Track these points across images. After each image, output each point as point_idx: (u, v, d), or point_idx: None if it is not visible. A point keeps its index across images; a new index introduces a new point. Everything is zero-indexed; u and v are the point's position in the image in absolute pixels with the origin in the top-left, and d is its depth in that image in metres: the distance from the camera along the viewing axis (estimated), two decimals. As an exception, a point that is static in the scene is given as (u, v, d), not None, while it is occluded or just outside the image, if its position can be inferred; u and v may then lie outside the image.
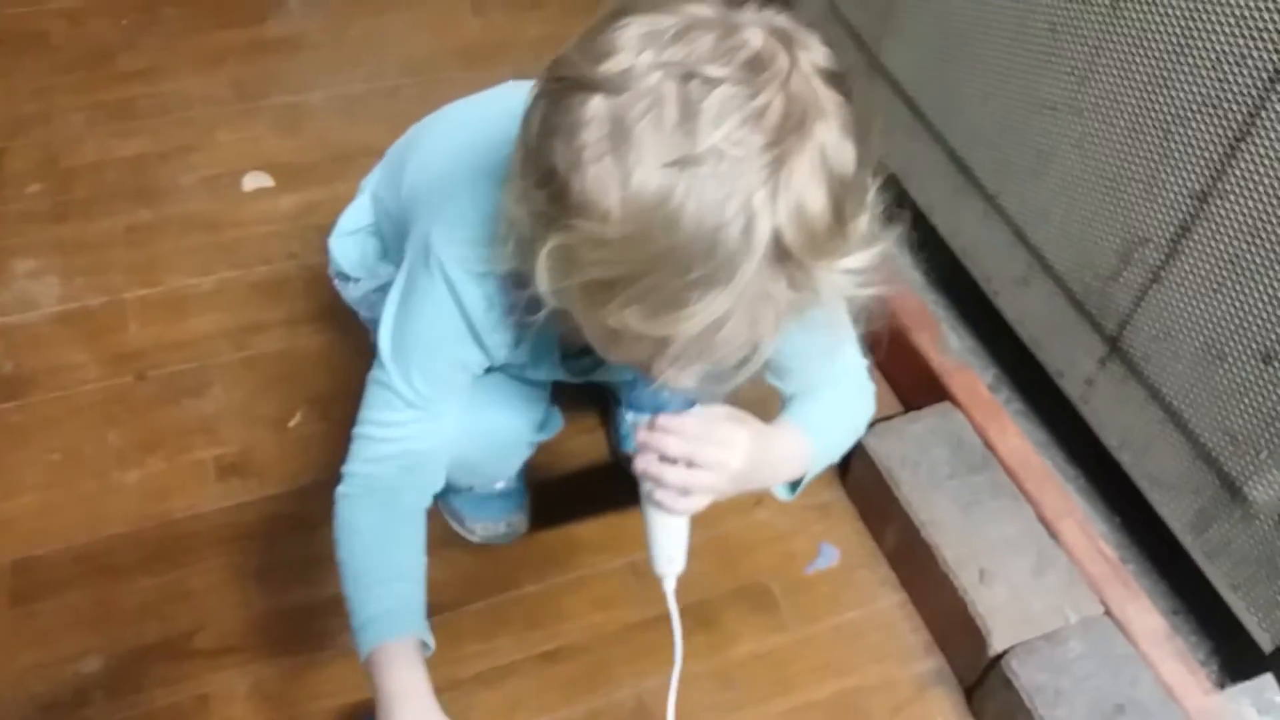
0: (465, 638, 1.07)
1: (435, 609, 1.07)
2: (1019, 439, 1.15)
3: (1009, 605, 1.03)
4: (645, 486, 0.74)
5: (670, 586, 0.78)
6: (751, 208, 0.55)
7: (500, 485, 1.12)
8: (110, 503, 1.15)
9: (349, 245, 1.01)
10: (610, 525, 1.16)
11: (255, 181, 1.49)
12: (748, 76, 0.55)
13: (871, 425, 1.16)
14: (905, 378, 1.28)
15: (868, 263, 0.60)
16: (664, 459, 0.72)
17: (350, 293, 1.04)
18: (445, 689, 1.02)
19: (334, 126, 1.57)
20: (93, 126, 1.55)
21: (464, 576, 1.12)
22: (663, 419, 0.71)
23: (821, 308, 0.80)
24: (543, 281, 0.61)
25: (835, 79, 0.59)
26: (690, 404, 0.72)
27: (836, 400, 0.88)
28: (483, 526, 1.14)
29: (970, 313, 1.28)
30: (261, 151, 1.53)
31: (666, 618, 1.09)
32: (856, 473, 1.19)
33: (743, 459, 0.74)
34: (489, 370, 0.86)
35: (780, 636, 1.10)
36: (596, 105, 0.56)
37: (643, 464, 0.72)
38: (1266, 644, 0.96)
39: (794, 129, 0.56)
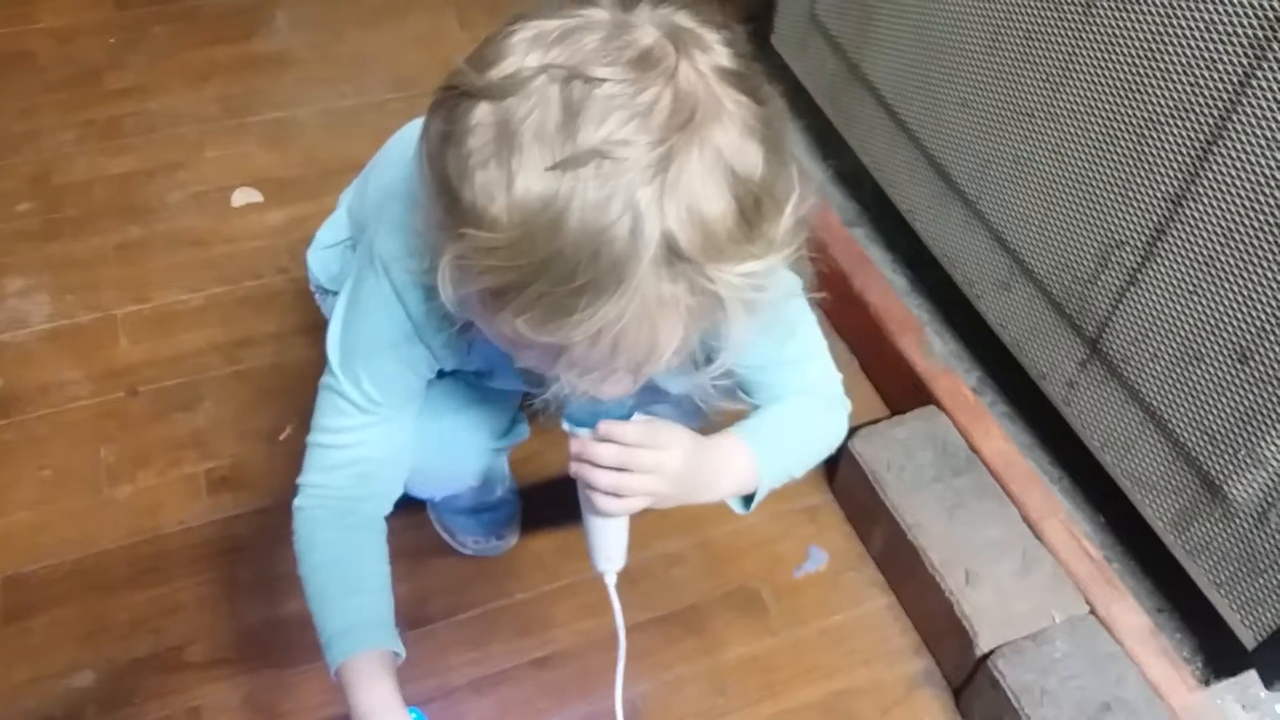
0: (457, 646, 1.08)
1: (426, 618, 1.10)
2: (1003, 441, 1.16)
3: (995, 606, 1.04)
4: (582, 489, 0.74)
5: (611, 581, 0.78)
6: (637, 208, 0.53)
7: (494, 496, 1.13)
8: (102, 518, 1.16)
9: (327, 259, 1.01)
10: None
11: (244, 197, 1.50)
12: (633, 75, 0.54)
13: (857, 429, 1.17)
14: (890, 382, 1.30)
15: (771, 267, 0.58)
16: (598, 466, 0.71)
17: (329, 306, 1.04)
18: (437, 697, 1.04)
19: (322, 141, 1.58)
20: (81, 145, 1.56)
21: (455, 585, 1.13)
22: (603, 427, 0.70)
23: (778, 315, 0.78)
24: (445, 292, 0.59)
25: (739, 80, 0.57)
26: (629, 413, 0.71)
27: (794, 413, 0.85)
28: (474, 540, 1.15)
29: (953, 317, 1.29)
30: (250, 167, 1.54)
31: (657, 623, 1.11)
32: (843, 476, 1.20)
33: (679, 464, 0.73)
34: (448, 375, 0.85)
35: (769, 640, 1.11)
36: (483, 112, 0.55)
37: (575, 469, 0.72)
38: (1249, 640, 0.97)
39: (681, 126, 0.54)
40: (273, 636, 1.07)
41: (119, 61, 1.69)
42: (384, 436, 0.82)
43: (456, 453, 0.95)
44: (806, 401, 0.86)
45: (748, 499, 0.84)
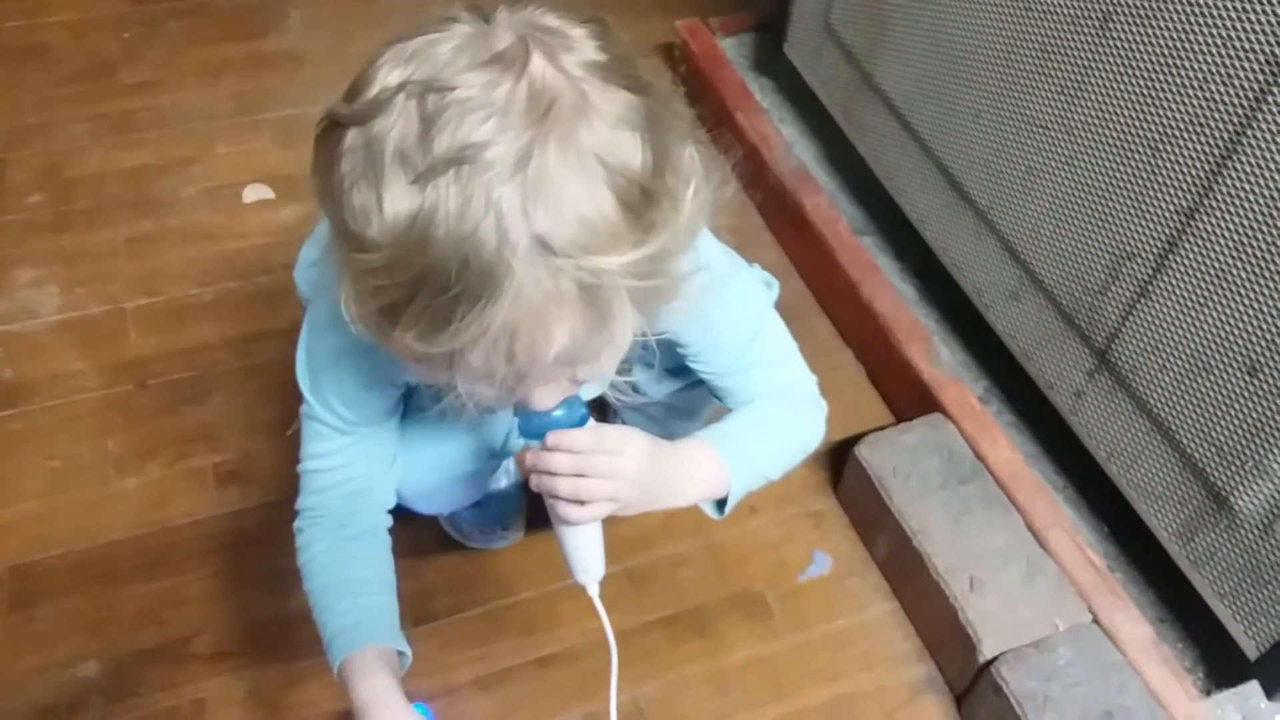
0: (462, 643, 1.08)
1: (431, 615, 1.10)
2: (1009, 450, 1.17)
3: (999, 613, 1.04)
4: (547, 501, 0.73)
5: (594, 592, 0.78)
6: (499, 209, 0.52)
7: (498, 487, 1.13)
8: (109, 509, 1.16)
9: (312, 277, 1.00)
10: (606, 532, 1.16)
11: (256, 193, 1.51)
12: (485, 77, 0.53)
13: (863, 436, 1.18)
14: (897, 389, 1.30)
15: (659, 253, 0.57)
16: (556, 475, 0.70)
17: None
18: (442, 693, 1.05)
19: (334, 140, 1.59)
20: (94, 138, 1.57)
21: (461, 582, 1.13)
22: (551, 437, 0.69)
23: (736, 316, 0.79)
24: (349, 316, 0.59)
25: (608, 71, 0.56)
26: (582, 420, 0.70)
27: (762, 415, 0.84)
28: (480, 532, 1.15)
29: (961, 326, 1.30)
30: (262, 164, 1.54)
31: (662, 624, 1.12)
32: (849, 482, 1.20)
33: (636, 467, 0.72)
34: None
35: (774, 643, 1.11)
36: (351, 137, 0.55)
37: (535, 481, 0.71)
38: (1252, 651, 0.98)
39: (538, 120, 0.53)
40: (279, 630, 1.07)
41: (133, 56, 1.70)
42: (367, 454, 0.84)
43: (453, 471, 0.96)
44: (777, 403, 0.85)
45: (721, 503, 0.83)
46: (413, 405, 0.90)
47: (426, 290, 0.54)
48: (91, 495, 1.17)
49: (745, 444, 0.82)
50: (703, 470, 0.80)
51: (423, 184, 0.52)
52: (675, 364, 0.87)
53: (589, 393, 0.92)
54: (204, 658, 1.06)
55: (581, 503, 0.71)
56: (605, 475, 0.70)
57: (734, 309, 0.82)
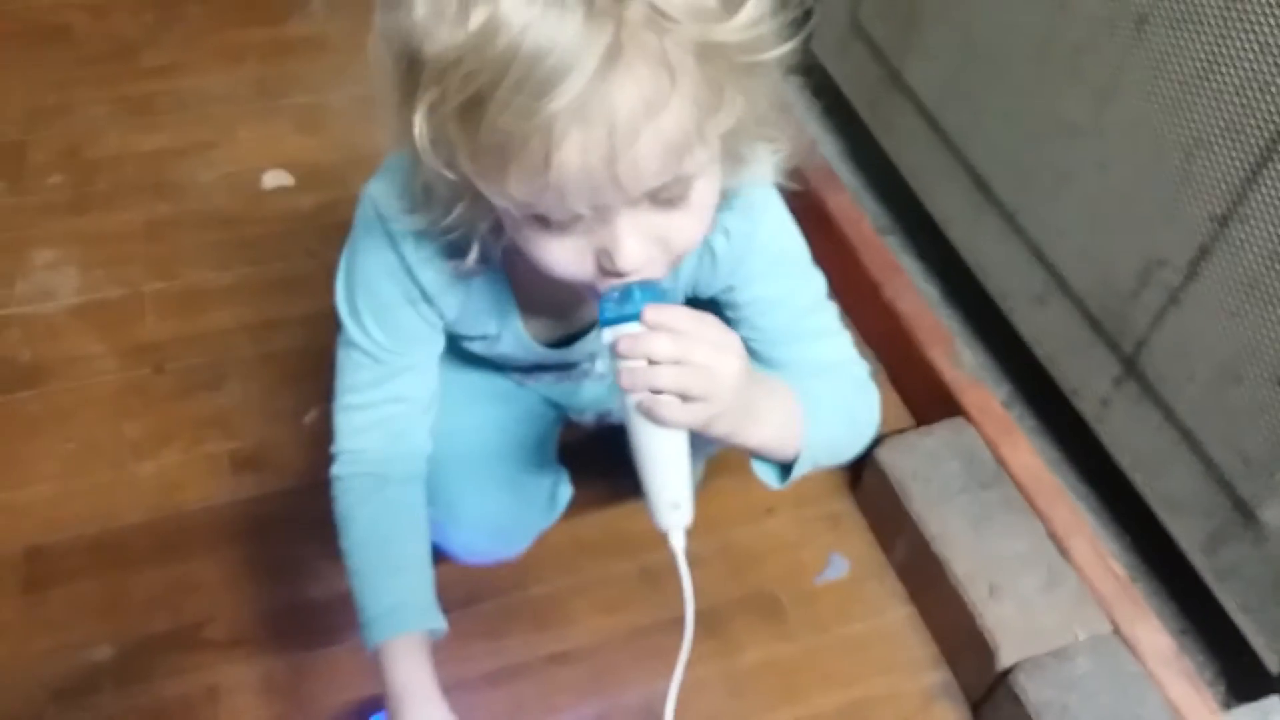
0: (474, 637, 1.07)
1: (445, 606, 1.08)
2: (1031, 456, 1.15)
3: (1018, 621, 1.03)
4: (633, 405, 0.60)
5: (679, 542, 0.63)
6: None
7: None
8: (124, 493, 1.16)
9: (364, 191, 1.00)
10: (618, 529, 1.16)
11: (275, 179, 1.50)
12: None
13: (883, 438, 1.17)
14: (918, 392, 1.29)
15: (757, 17, 0.56)
16: (653, 363, 0.59)
17: None
18: (453, 687, 1.03)
19: (354, 128, 1.57)
20: (114, 121, 1.56)
21: (474, 577, 1.12)
22: (651, 312, 0.58)
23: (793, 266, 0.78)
24: (426, 157, 0.57)
25: None
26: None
27: (827, 386, 0.77)
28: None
29: (984, 329, 1.29)
30: (282, 150, 1.54)
31: (675, 623, 1.10)
32: (867, 485, 1.19)
33: (736, 370, 0.61)
34: (480, 432, 0.85)
35: (788, 646, 1.10)
36: None
37: (629, 377, 0.59)
38: (1274, 665, 0.96)
39: None
40: (293, 619, 1.07)
41: (154, 39, 1.70)
42: (404, 389, 0.82)
43: (504, 533, 0.96)
44: (835, 377, 0.81)
45: (785, 470, 0.74)
46: (474, 428, 0.90)
47: (520, 63, 0.50)
48: (107, 478, 1.17)
49: (818, 404, 0.74)
50: (784, 411, 0.70)
51: None
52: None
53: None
54: (217, 644, 1.06)
55: (683, 399, 0.59)
56: (708, 367, 0.60)
57: (800, 268, 0.81)
